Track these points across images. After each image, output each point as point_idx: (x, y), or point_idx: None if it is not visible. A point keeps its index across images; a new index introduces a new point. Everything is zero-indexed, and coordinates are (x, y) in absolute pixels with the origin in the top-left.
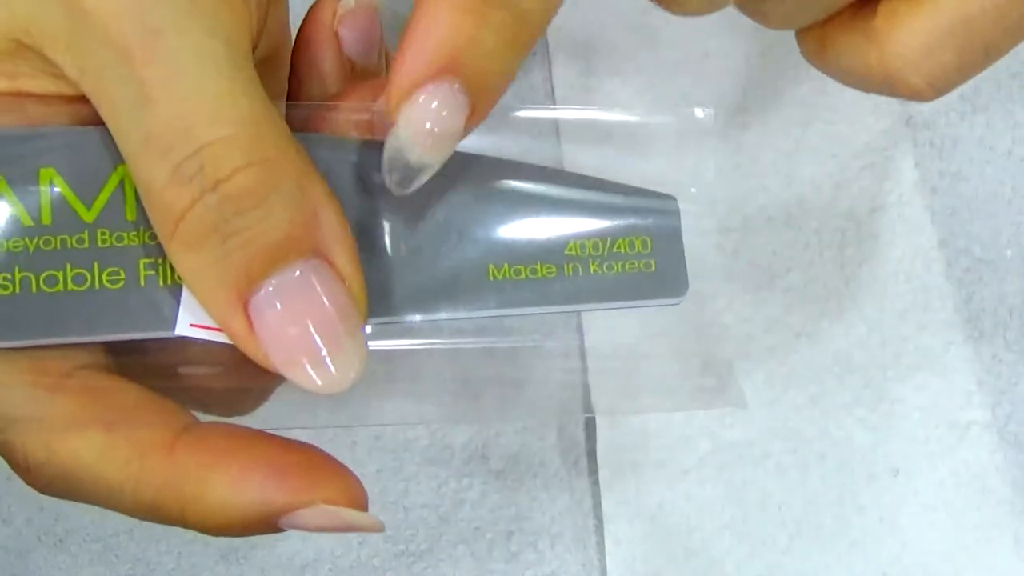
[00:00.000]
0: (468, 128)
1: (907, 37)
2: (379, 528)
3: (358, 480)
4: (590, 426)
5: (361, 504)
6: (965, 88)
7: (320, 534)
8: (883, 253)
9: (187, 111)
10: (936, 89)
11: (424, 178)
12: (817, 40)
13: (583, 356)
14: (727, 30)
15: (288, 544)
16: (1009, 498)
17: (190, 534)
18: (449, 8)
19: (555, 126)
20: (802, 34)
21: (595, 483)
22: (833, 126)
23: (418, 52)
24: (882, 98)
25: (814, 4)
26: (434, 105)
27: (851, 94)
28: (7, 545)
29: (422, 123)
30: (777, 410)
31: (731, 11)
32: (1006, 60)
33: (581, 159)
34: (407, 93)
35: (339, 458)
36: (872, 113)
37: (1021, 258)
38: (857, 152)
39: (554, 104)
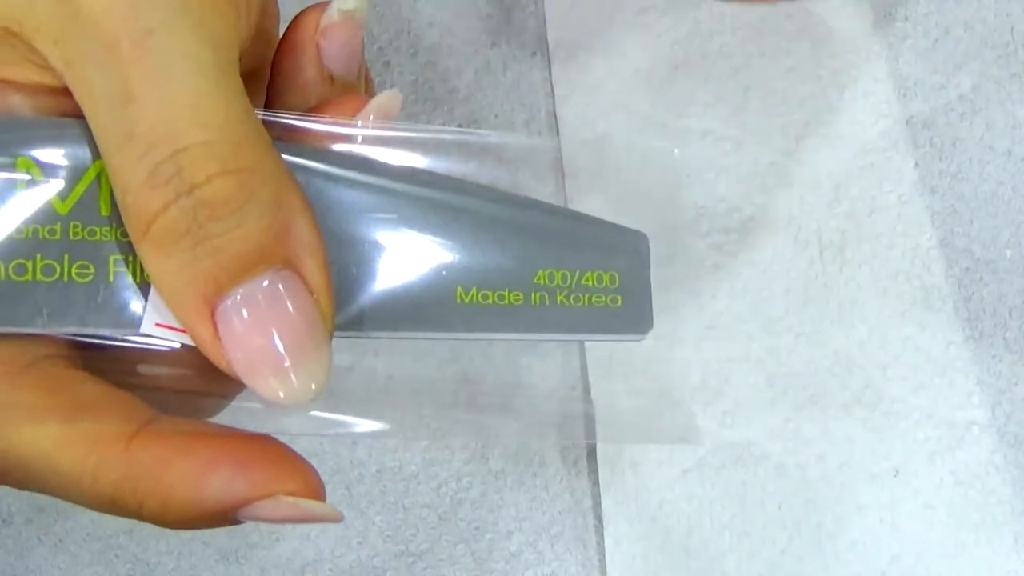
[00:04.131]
0: None
1: None
2: (338, 518)
3: (315, 471)
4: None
5: (320, 495)
6: (965, 88)
7: (320, 534)
8: (883, 253)
9: (169, 113)
10: None
11: None
12: None
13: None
14: (728, 30)
15: (288, 544)
16: (1009, 498)
17: (189, 534)
18: None
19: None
20: None
21: (595, 483)
22: (833, 126)
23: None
24: (882, 98)
25: None
26: None
27: (851, 94)
28: (7, 545)
29: None
30: (777, 410)
31: (733, 11)
32: (1006, 60)
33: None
34: None
35: (339, 457)
36: (872, 113)
37: (1021, 258)
38: (857, 152)
39: (553, 106)
